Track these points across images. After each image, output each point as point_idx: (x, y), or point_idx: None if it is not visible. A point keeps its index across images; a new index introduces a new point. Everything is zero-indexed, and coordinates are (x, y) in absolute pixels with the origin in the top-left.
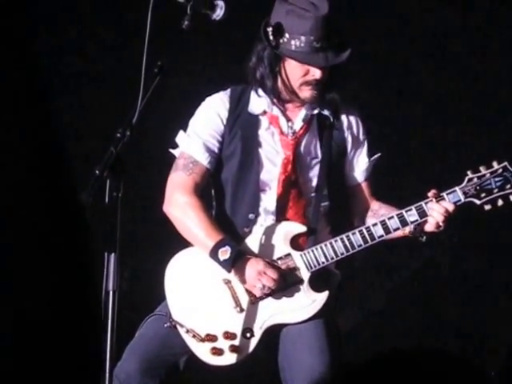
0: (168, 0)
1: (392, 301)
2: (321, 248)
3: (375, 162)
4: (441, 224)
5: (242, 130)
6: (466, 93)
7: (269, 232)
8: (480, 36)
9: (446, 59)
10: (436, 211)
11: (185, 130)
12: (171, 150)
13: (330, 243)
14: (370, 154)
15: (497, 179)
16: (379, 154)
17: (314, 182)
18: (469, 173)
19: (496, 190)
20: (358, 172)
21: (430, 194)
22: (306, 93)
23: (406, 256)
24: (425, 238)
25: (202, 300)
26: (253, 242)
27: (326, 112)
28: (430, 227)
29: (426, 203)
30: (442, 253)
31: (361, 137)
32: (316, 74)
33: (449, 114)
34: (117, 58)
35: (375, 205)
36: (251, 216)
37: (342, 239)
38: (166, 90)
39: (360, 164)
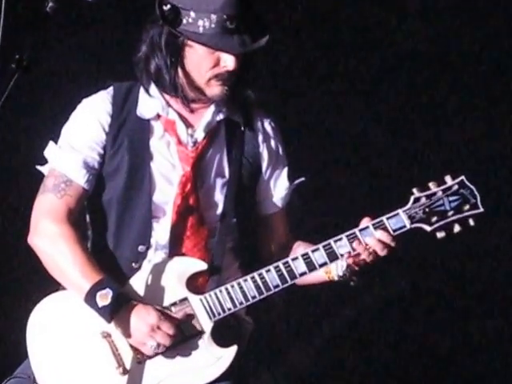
0: None
1: (321, 359)
2: (226, 290)
3: (297, 187)
4: (375, 256)
5: (128, 139)
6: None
7: (159, 270)
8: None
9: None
10: (372, 240)
11: (55, 141)
12: (38, 167)
13: (239, 284)
14: (290, 176)
15: (451, 198)
16: (303, 179)
17: (220, 208)
18: (414, 191)
19: (451, 213)
20: (276, 198)
21: (366, 218)
22: (214, 89)
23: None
24: (355, 281)
25: (75, 358)
26: (139, 282)
27: (236, 117)
28: (364, 258)
29: (360, 230)
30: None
31: (280, 152)
32: (228, 63)
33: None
34: None
35: (291, 242)
36: (141, 248)
37: (253, 278)
38: (29, 89)
39: (278, 188)
